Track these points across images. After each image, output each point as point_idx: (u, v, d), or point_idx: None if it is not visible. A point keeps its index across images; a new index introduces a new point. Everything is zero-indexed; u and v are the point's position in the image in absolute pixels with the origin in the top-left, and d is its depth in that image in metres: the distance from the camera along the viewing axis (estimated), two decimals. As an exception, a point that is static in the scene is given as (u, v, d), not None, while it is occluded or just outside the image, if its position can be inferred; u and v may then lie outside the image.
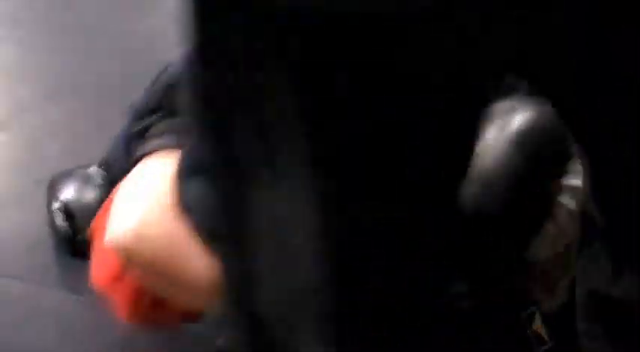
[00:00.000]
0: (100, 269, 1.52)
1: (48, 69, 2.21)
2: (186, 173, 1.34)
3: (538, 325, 1.38)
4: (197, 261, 1.36)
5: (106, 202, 1.56)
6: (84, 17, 2.35)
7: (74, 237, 1.74)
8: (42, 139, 2.03)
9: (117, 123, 2.00)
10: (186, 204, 1.34)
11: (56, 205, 1.75)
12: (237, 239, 0.88)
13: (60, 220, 1.74)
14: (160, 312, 1.48)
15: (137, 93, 2.11)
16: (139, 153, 1.50)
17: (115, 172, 1.69)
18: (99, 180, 1.74)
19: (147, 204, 1.41)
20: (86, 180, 1.75)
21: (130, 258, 1.41)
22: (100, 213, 1.56)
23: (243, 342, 0.93)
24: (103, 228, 1.50)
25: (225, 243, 0.92)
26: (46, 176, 1.90)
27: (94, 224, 1.56)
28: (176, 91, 1.51)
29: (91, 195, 1.73)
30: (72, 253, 1.75)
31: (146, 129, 1.54)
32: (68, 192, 1.75)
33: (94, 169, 1.76)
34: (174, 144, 1.45)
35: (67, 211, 1.74)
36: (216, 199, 0.90)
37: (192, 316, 1.53)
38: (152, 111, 1.57)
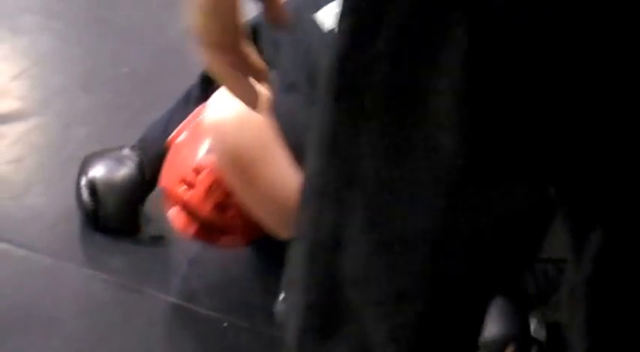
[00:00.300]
0: (174, 167, 1.55)
1: (81, 60, 2.26)
2: (281, 89, 1.37)
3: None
4: (281, 172, 1.41)
5: (192, 115, 1.58)
6: (119, 13, 2.41)
7: (97, 213, 1.79)
8: (72, 125, 2.08)
9: (143, 115, 2.05)
10: (281, 118, 1.37)
11: (83, 181, 1.80)
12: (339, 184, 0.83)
13: (85, 195, 1.79)
14: (225, 219, 1.49)
15: (164, 88, 2.16)
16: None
17: (149, 153, 1.75)
18: (130, 161, 1.78)
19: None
20: (118, 159, 1.79)
21: (225, 143, 1.42)
22: (182, 125, 1.59)
23: (306, 302, 0.88)
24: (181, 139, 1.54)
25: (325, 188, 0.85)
26: (74, 158, 1.95)
27: (173, 135, 1.59)
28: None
29: (120, 173, 1.78)
30: (94, 228, 1.80)
31: None
32: (98, 170, 1.79)
33: (127, 151, 1.80)
34: None
35: (92, 188, 1.79)
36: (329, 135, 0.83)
37: (252, 232, 1.53)
38: None
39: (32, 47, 2.31)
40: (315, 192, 0.86)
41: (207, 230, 1.57)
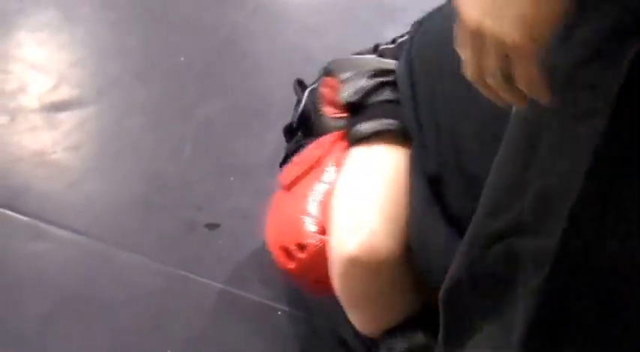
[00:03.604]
0: (278, 221, 1.48)
1: (137, 51, 2.27)
2: (432, 217, 1.26)
3: None
4: (391, 309, 1.36)
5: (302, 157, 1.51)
6: (174, 7, 2.42)
7: None
8: (127, 114, 2.09)
9: (199, 106, 2.10)
10: (422, 244, 1.26)
11: None
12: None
13: None
14: (324, 290, 1.42)
15: (221, 79, 2.17)
16: (361, 132, 1.43)
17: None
18: None
19: (381, 216, 1.33)
20: None
21: (352, 281, 1.34)
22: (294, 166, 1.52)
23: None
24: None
25: None
26: (128, 147, 1.99)
27: (287, 180, 1.51)
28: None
29: None
30: None
31: (381, 84, 1.47)
32: None
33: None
34: (396, 129, 1.40)
35: None
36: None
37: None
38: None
39: (89, 36, 2.32)
40: None
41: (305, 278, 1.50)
